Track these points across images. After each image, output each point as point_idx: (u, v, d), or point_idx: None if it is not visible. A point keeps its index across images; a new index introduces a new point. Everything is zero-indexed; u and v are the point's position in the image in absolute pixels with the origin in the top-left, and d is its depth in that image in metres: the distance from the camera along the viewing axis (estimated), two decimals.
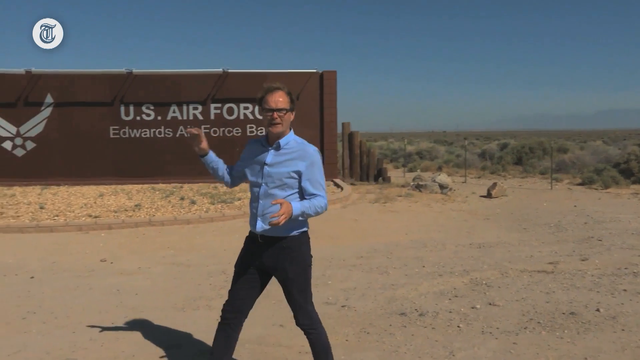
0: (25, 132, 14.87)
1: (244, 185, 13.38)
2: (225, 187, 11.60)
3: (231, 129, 15.27)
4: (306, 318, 3.24)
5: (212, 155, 3.34)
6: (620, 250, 7.36)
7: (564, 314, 4.86)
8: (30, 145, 14.90)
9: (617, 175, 15.13)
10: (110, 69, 15.17)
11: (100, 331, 4.56)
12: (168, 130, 15.10)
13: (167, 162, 15.00)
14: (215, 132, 15.10)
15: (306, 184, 3.11)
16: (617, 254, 7.17)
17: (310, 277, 3.27)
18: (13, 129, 14.84)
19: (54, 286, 5.99)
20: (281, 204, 2.89)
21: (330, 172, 15.56)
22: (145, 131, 15.08)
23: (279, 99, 3.07)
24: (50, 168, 14.59)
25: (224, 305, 3.28)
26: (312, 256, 3.27)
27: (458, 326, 4.63)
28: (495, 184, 13.29)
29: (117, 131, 15.05)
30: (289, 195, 3.10)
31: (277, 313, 4.98)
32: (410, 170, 21.02)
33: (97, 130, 14.94)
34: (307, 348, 4.20)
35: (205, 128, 14.88)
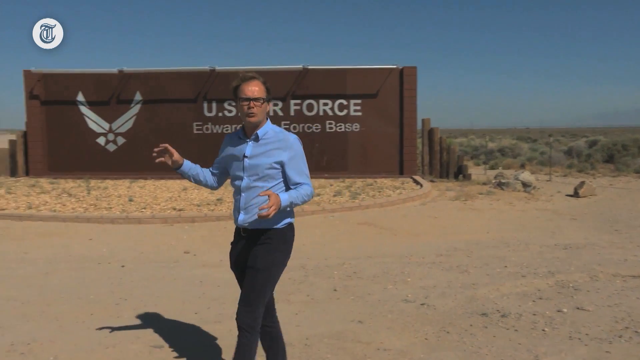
0: (117, 128, 15.77)
1: (315, 182, 13.42)
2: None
3: (310, 125, 15.42)
4: (249, 317, 2.98)
5: (187, 163, 3.23)
6: None
7: None
8: (120, 140, 15.78)
9: None
10: (194, 67, 15.74)
11: (185, 321, 4.75)
12: None
13: None
14: (294, 128, 15.28)
15: (291, 173, 3.03)
16: None
17: (278, 278, 3.10)
18: (106, 126, 15.79)
19: (142, 275, 6.31)
20: (269, 196, 2.79)
21: (409, 169, 15.38)
22: (227, 127, 15.53)
23: (254, 88, 2.99)
24: (138, 162, 15.30)
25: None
26: (290, 256, 3.13)
27: (543, 330, 4.43)
28: (583, 183, 12.59)
29: (200, 127, 15.61)
30: (272, 187, 3.02)
31: (356, 309, 4.99)
32: (492, 168, 20.36)
33: (181, 126, 15.55)
34: (387, 344, 4.19)
35: (285, 124, 15.10)
